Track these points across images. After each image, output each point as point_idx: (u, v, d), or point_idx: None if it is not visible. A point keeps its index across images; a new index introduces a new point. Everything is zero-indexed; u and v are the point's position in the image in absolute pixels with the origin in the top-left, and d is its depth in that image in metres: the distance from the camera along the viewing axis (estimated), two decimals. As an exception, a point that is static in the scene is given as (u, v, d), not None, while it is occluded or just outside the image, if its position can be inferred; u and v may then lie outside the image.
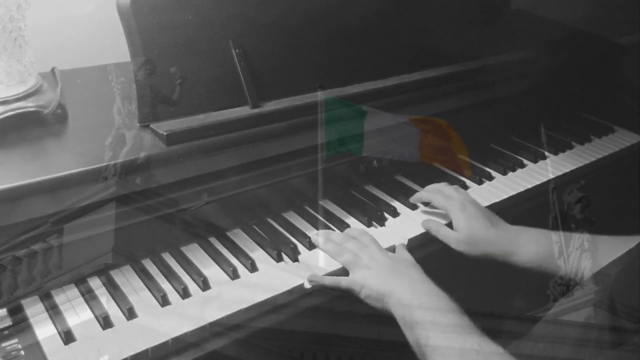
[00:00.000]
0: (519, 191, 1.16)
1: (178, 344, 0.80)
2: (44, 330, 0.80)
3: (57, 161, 0.88)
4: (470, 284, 1.04)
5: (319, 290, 0.91)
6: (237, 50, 1.03)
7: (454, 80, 1.25)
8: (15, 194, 0.81)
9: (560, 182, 1.21)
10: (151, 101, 0.96)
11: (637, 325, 0.80)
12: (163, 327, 0.81)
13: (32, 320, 0.81)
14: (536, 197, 1.17)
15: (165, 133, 0.94)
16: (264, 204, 1.03)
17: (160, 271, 0.91)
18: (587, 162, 1.29)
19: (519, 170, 1.23)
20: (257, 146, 1.00)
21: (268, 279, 0.91)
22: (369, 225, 1.04)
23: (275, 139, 1.02)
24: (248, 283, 0.91)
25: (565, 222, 0.94)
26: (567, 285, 0.90)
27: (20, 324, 0.81)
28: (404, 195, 1.11)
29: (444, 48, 1.26)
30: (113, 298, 0.86)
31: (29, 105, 0.94)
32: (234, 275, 0.91)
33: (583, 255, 0.90)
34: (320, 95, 1.02)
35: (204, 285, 0.88)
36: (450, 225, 1.01)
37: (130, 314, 0.83)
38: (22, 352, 0.76)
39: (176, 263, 0.93)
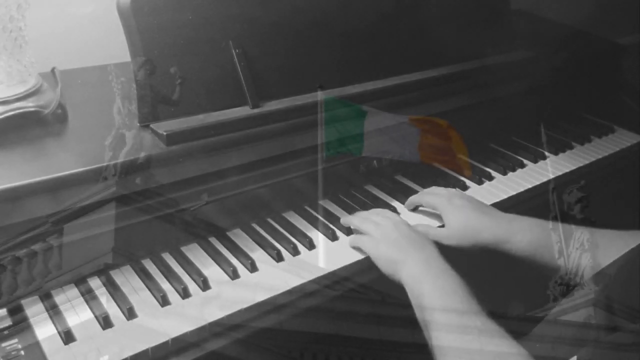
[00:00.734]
0: (519, 191, 1.16)
1: (178, 344, 0.80)
2: (44, 330, 0.80)
3: (57, 161, 0.88)
4: (470, 284, 1.04)
5: (319, 290, 0.91)
6: (237, 50, 1.02)
7: (454, 80, 1.25)
8: (15, 194, 0.81)
9: (560, 182, 1.21)
10: (151, 101, 0.96)
11: (637, 325, 0.80)
12: (163, 327, 0.81)
13: (32, 320, 0.81)
14: (536, 197, 1.17)
15: (165, 133, 0.94)
16: (264, 204, 1.03)
17: (160, 271, 0.91)
18: (587, 162, 1.29)
19: (519, 170, 1.23)
20: (257, 146, 1.00)
21: (268, 279, 0.91)
22: (369, 225, 1.04)
23: (275, 139, 1.02)
24: (248, 283, 0.91)
25: (565, 222, 0.94)
26: (567, 285, 0.90)
27: (20, 324, 0.81)
28: (404, 195, 1.11)
29: (444, 48, 1.26)
30: (113, 298, 0.86)
31: (29, 105, 0.94)
32: (234, 275, 0.91)
33: (583, 255, 0.90)
34: (320, 95, 1.02)
35: (204, 285, 0.88)
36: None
37: (130, 314, 0.83)
38: (22, 352, 0.76)
39: (176, 263, 0.93)
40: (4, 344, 0.77)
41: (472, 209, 0.99)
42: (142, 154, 0.91)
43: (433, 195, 1.04)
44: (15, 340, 0.78)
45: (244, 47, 1.03)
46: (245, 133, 1.00)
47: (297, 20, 1.09)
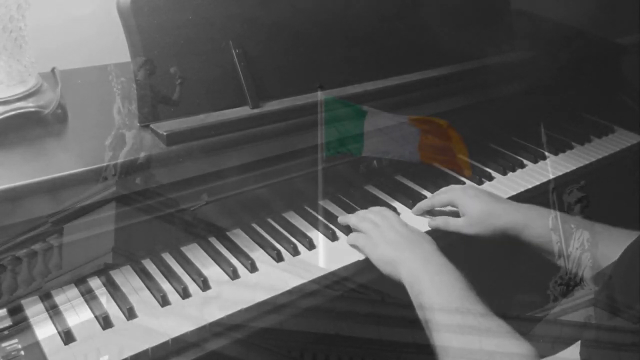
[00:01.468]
0: (519, 191, 1.16)
1: (178, 344, 0.80)
2: (44, 330, 0.80)
3: (57, 161, 0.88)
4: (471, 284, 1.04)
5: (319, 290, 0.91)
6: (237, 50, 1.02)
7: (454, 80, 1.25)
8: (15, 194, 0.81)
9: (560, 182, 1.21)
10: (151, 101, 0.96)
11: (637, 325, 0.80)
12: (163, 327, 0.81)
13: (32, 320, 0.81)
14: (536, 197, 1.17)
15: (165, 133, 0.94)
16: (264, 204, 1.03)
17: (160, 271, 0.91)
18: (587, 162, 1.29)
19: (519, 170, 1.23)
20: (257, 146, 1.00)
21: (268, 279, 0.91)
22: (369, 225, 1.04)
23: (275, 139, 1.02)
24: (248, 283, 0.91)
25: (566, 222, 0.94)
26: (567, 285, 0.90)
27: (20, 324, 0.81)
28: (404, 195, 1.11)
29: (444, 48, 1.26)
30: (113, 298, 0.86)
31: (29, 105, 0.94)
32: (234, 275, 0.91)
33: (583, 255, 0.90)
34: (320, 95, 1.02)
35: (204, 285, 0.88)
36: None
37: (130, 314, 0.83)
38: (22, 352, 0.76)
39: (176, 263, 0.93)
40: (4, 344, 0.77)
41: (488, 196, 1.01)
42: (142, 154, 0.91)
43: (444, 193, 1.05)
44: (15, 340, 0.78)
45: (244, 47, 1.03)
46: (245, 133, 1.00)
47: (297, 20, 1.09)
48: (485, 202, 0.99)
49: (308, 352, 0.91)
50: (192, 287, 0.88)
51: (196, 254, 0.95)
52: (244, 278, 0.91)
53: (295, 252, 0.96)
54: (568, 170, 1.25)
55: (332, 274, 0.93)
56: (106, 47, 1.07)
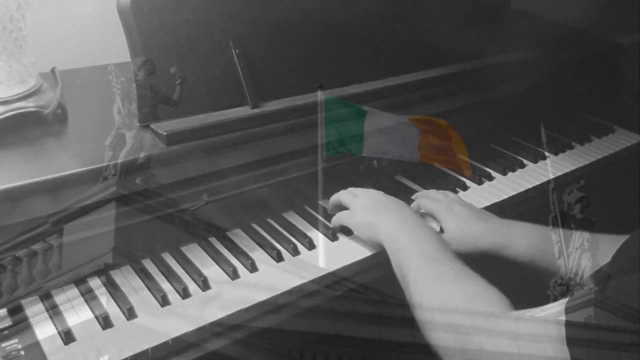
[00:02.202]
0: (519, 191, 1.16)
1: (178, 344, 0.80)
2: (44, 330, 0.80)
3: (57, 161, 0.88)
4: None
5: (319, 290, 0.91)
6: (237, 50, 1.02)
7: (454, 80, 1.25)
8: (15, 194, 0.81)
9: (560, 182, 1.21)
10: (151, 101, 0.96)
11: (637, 325, 0.80)
12: (163, 327, 0.81)
13: (32, 320, 0.81)
14: (536, 197, 1.17)
15: (165, 133, 0.94)
16: (264, 204, 1.03)
17: (160, 271, 0.91)
18: (587, 162, 1.29)
19: (519, 170, 1.23)
20: (257, 146, 1.00)
21: (268, 279, 0.91)
22: (369, 225, 1.04)
23: (275, 139, 1.02)
24: (248, 283, 0.90)
25: (565, 222, 0.94)
26: (567, 285, 0.90)
27: (20, 324, 0.81)
28: (404, 195, 1.11)
29: (444, 48, 1.26)
30: (113, 298, 0.86)
31: (29, 105, 0.94)
32: (234, 275, 0.91)
33: (583, 255, 0.90)
34: (320, 95, 1.02)
35: (204, 285, 0.88)
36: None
37: (130, 314, 0.83)
38: (22, 352, 0.76)
39: (176, 263, 0.93)
40: (4, 344, 0.77)
41: (470, 216, 0.99)
42: (142, 154, 0.91)
43: (432, 201, 1.04)
44: (15, 340, 0.78)
45: (244, 47, 1.03)
46: (245, 133, 1.00)
47: (297, 20, 1.09)
48: (466, 222, 0.98)
49: (308, 352, 0.91)
50: (192, 287, 0.88)
51: (196, 254, 0.95)
52: (244, 278, 0.91)
53: (295, 252, 0.96)
54: (568, 170, 1.25)
55: (332, 274, 0.93)
56: (106, 47, 1.07)
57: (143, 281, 0.89)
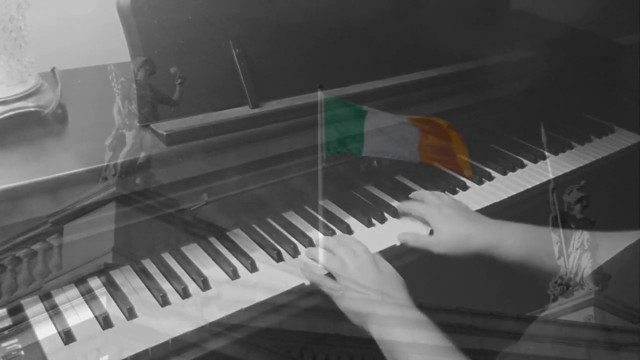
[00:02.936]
0: (519, 191, 1.16)
1: (178, 344, 0.80)
2: (44, 330, 0.80)
3: (57, 161, 0.88)
4: (470, 284, 1.04)
5: (319, 290, 0.91)
6: (237, 50, 1.02)
7: (454, 80, 1.25)
8: (15, 194, 0.81)
9: (560, 182, 1.21)
10: (151, 101, 0.96)
11: (637, 325, 0.80)
12: (163, 327, 0.81)
13: (32, 320, 0.81)
14: (536, 197, 1.17)
15: (165, 133, 0.94)
16: (264, 204, 1.03)
17: (160, 271, 0.91)
18: (587, 162, 1.29)
19: (519, 170, 1.23)
20: (257, 146, 1.00)
21: (268, 279, 0.91)
22: (369, 225, 1.04)
23: (275, 139, 1.02)
24: (248, 283, 0.90)
25: (565, 222, 0.94)
26: (567, 285, 0.90)
27: (20, 324, 0.81)
28: (404, 195, 1.11)
29: (444, 48, 1.26)
30: (113, 298, 0.86)
31: (29, 105, 0.94)
32: (234, 275, 0.91)
33: (583, 255, 0.90)
34: (320, 95, 1.02)
35: (204, 285, 0.88)
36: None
37: (130, 314, 0.83)
38: (22, 352, 0.76)
39: (176, 263, 0.93)
40: (4, 344, 0.77)
41: (461, 217, 0.99)
42: (142, 154, 0.91)
43: (422, 205, 1.04)
44: (15, 340, 0.78)
45: (244, 47, 1.03)
46: (245, 133, 1.00)
47: (298, 20, 1.09)
48: (457, 224, 0.97)
49: (308, 352, 0.91)
50: (192, 287, 0.88)
51: (196, 254, 0.95)
52: (244, 278, 0.91)
53: (295, 252, 0.96)
54: (568, 170, 1.24)
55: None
56: (106, 47, 1.07)
57: (143, 281, 0.89)
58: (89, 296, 0.86)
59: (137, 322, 0.83)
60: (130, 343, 0.78)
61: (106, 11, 1.00)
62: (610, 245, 0.89)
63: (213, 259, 0.94)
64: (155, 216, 0.91)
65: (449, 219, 0.99)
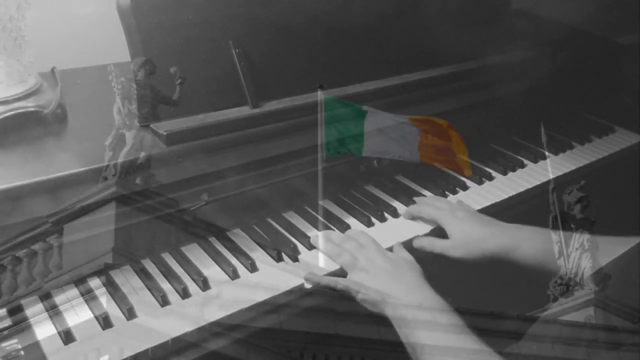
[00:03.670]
0: (519, 191, 1.16)
1: (178, 344, 0.80)
2: (44, 330, 0.80)
3: (57, 161, 0.88)
4: (470, 284, 1.04)
5: (319, 290, 0.91)
6: (237, 50, 1.02)
7: (454, 80, 1.25)
8: (15, 194, 0.81)
9: (560, 182, 1.20)
10: (151, 101, 0.96)
11: (637, 325, 0.80)
12: (163, 327, 0.81)
13: (32, 320, 0.81)
14: (536, 197, 1.17)
15: (165, 133, 0.94)
16: (264, 204, 1.03)
17: (160, 271, 0.91)
18: (587, 162, 1.29)
19: (519, 170, 1.23)
20: (257, 146, 1.00)
21: (268, 279, 0.91)
22: (368, 225, 1.04)
23: (275, 139, 1.02)
24: (248, 283, 0.90)
25: (565, 222, 0.94)
26: (567, 285, 0.90)
27: (20, 324, 0.81)
28: (404, 195, 1.11)
29: (444, 48, 1.26)
30: (113, 298, 0.86)
31: (29, 105, 0.94)
32: (234, 275, 0.91)
33: (583, 255, 0.90)
34: (320, 95, 1.02)
35: (204, 285, 0.88)
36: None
37: (130, 314, 0.83)
38: (22, 352, 0.76)
39: (176, 263, 0.93)
40: (4, 344, 0.77)
41: (475, 220, 0.99)
42: (142, 154, 0.91)
43: (434, 209, 1.04)
44: (15, 340, 0.78)
45: (244, 47, 1.03)
46: (245, 133, 1.00)
47: (298, 20, 1.09)
48: (472, 226, 0.97)
49: (308, 352, 0.91)
50: (192, 287, 0.88)
51: (196, 254, 0.95)
52: (244, 278, 0.91)
53: (295, 252, 0.96)
54: (568, 170, 1.25)
55: (332, 274, 0.93)
56: (106, 47, 1.07)
57: (143, 281, 0.89)
58: (88, 296, 0.86)
59: (137, 322, 0.82)
60: (130, 343, 0.78)
61: (106, 11, 1.00)
62: (610, 249, 0.89)
63: (213, 259, 0.94)
64: (155, 216, 0.91)
65: (464, 223, 0.98)
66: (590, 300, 0.85)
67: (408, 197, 1.10)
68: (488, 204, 1.10)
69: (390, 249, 0.98)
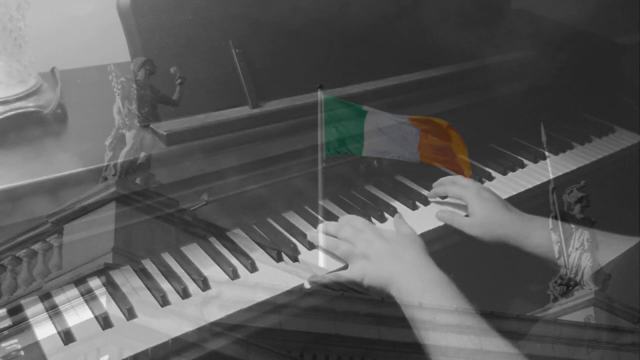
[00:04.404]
0: (519, 191, 1.16)
1: (178, 344, 0.80)
2: (44, 330, 0.80)
3: (57, 161, 0.88)
4: (470, 284, 1.04)
5: (319, 290, 0.91)
6: (237, 50, 1.02)
7: (454, 80, 1.25)
8: (15, 194, 0.81)
9: (560, 182, 1.20)
10: (151, 101, 0.96)
11: (637, 325, 0.80)
12: (163, 327, 0.81)
13: (32, 320, 0.81)
14: (536, 197, 1.17)
15: (165, 133, 0.94)
16: (264, 204, 1.03)
17: (160, 271, 0.91)
18: (587, 162, 1.29)
19: (519, 170, 1.23)
20: (257, 146, 1.01)
21: (268, 279, 0.91)
22: (369, 225, 1.04)
23: (275, 139, 1.02)
24: (248, 283, 0.90)
25: (565, 222, 0.94)
26: (567, 285, 0.90)
27: (20, 324, 0.81)
28: (404, 195, 1.11)
29: (444, 48, 1.26)
30: (113, 298, 0.86)
31: (29, 105, 0.94)
32: (234, 275, 0.91)
33: (583, 255, 0.90)
34: (320, 95, 1.02)
35: (204, 285, 0.88)
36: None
37: (130, 314, 0.83)
38: (22, 352, 0.76)
39: (176, 263, 0.93)
40: (4, 344, 0.77)
41: (497, 203, 1.02)
42: (142, 154, 0.91)
43: (460, 187, 1.06)
44: (15, 340, 0.78)
45: (244, 47, 1.03)
46: (245, 133, 1.00)
47: (298, 20, 1.09)
48: (494, 209, 1.00)
49: (308, 352, 0.91)
50: (192, 287, 0.88)
51: (196, 254, 0.95)
52: (244, 278, 0.91)
53: (295, 252, 0.96)
54: (568, 170, 1.25)
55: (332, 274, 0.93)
56: (106, 47, 1.07)
57: (143, 281, 0.89)
58: (88, 296, 0.86)
59: (137, 322, 0.82)
60: (130, 343, 0.78)
61: (106, 11, 1.00)
62: (611, 246, 0.89)
63: (213, 259, 0.94)
64: (155, 216, 0.91)
65: (486, 203, 1.01)
66: (590, 300, 0.85)
67: (408, 197, 1.10)
68: (488, 204, 1.10)
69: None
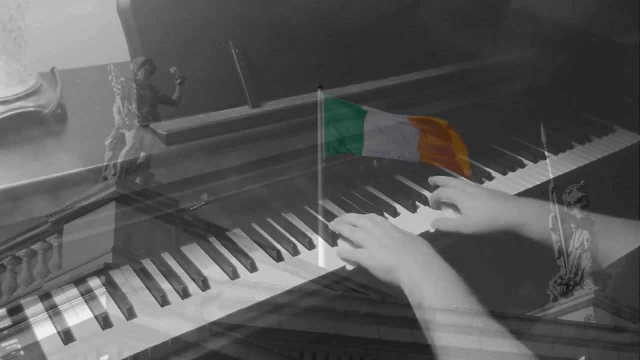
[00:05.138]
0: (519, 191, 1.16)
1: (178, 344, 0.80)
2: (44, 330, 0.80)
3: (57, 161, 0.88)
4: (471, 284, 1.04)
5: (319, 290, 0.91)
6: (237, 50, 1.02)
7: (454, 80, 1.25)
8: (15, 194, 0.81)
9: (560, 182, 1.20)
10: (151, 101, 0.96)
11: (637, 325, 0.80)
12: (163, 327, 0.81)
13: (32, 320, 0.81)
14: (536, 197, 1.17)
15: (165, 133, 0.94)
16: (264, 204, 1.03)
17: (160, 271, 0.91)
18: (587, 162, 1.29)
19: (519, 170, 1.23)
20: (257, 146, 1.01)
21: (268, 279, 0.91)
22: (369, 225, 1.04)
23: (275, 139, 1.02)
24: (248, 283, 0.90)
25: (565, 222, 0.94)
26: (567, 285, 0.90)
27: (20, 324, 0.81)
28: (404, 195, 1.11)
29: (444, 48, 1.26)
30: (113, 298, 0.86)
31: (29, 105, 0.94)
32: (234, 275, 0.91)
33: (583, 255, 0.90)
34: (320, 95, 1.02)
35: (204, 285, 0.88)
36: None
37: (130, 314, 0.83)
38: (22, 352, 0.76)
39: (176, 263, 0.93)
40: (4, 344, 0.77)
41: (486, 195, 1.02)
42: (142, 154, 0.91)
43: (450, 189, 1.07)
44: (15, 340, 0.78)
45: (244, 47, 1.03)
46: (245, 133, 1.00)
47: (298, 20, 1.09)
48: (483, 202, 1.00)
49: (308, 352, 0.91)
50: (192, 287, 0.88)
51: (196, 254, 0.95)
52: (244, 278, 0.91)
53: (295, 252, 0.96)
54: (568, 170, 1.24)
55: (332, 274, 0.93)
56: (106, 47, 1.07)
57: (143, 281, 0.89)
58: (88, 296, 0.86)
59: (137, 322, 0.82)
60: (130, 343, 0.78)
61: (106, 11, 1.00)
62: (610, 241, 0.89)
63: (213, 259, 0.94)
64: (155, 216, 0.91)
65: (475, 198, 1.01)
66: (590, 300, 0.85)
67: (408, 197, 1.10)
68: (488, 204, 1.10)
69: None
